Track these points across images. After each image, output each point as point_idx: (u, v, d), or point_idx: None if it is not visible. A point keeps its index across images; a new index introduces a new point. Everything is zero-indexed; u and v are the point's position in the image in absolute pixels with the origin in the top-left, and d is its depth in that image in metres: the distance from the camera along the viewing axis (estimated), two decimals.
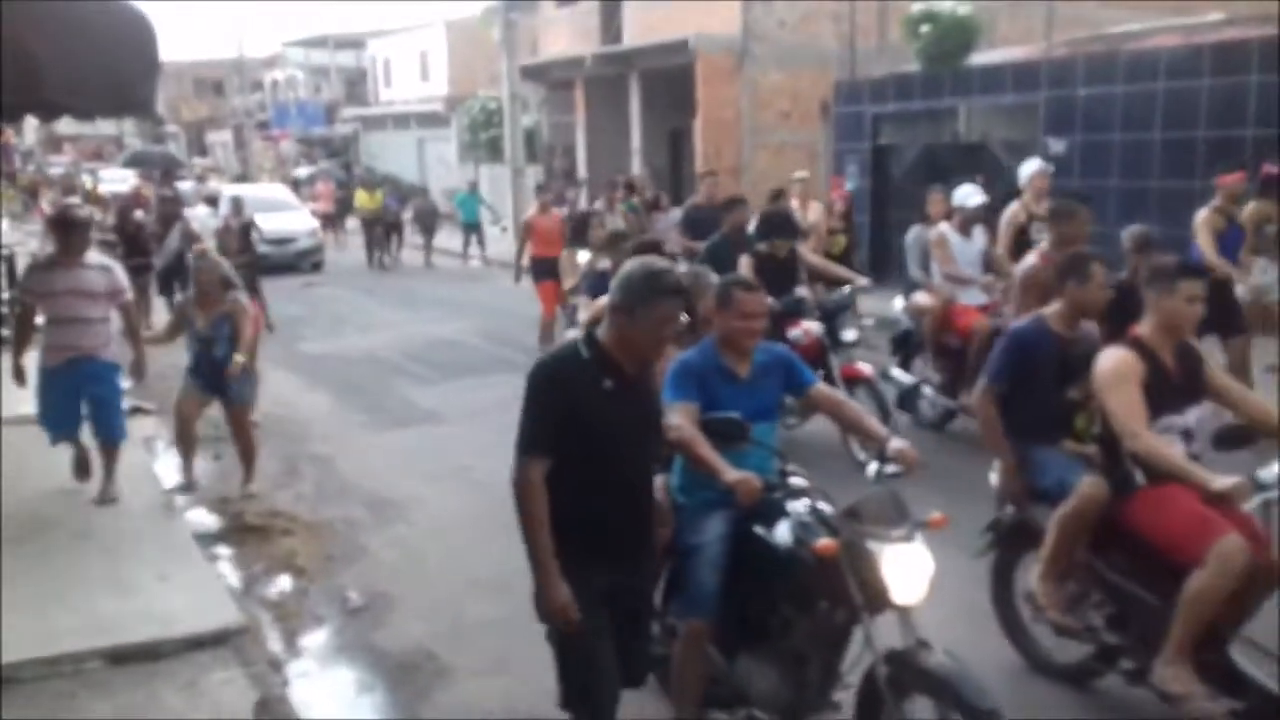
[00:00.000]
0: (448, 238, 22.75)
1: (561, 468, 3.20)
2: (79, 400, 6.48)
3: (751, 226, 8.39)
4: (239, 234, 13.69)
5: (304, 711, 4.46)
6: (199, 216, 14.72)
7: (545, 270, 11.54)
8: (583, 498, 3.23)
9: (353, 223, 25.49)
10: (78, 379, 6.42)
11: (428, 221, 22.03)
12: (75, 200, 20.46)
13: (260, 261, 13.74)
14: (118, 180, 27.64)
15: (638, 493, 3.42)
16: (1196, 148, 11.16)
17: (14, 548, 5.71)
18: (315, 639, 5.25)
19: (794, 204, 10.93)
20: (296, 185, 29.02)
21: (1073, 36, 15.21)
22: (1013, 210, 8.19)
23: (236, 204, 14.85)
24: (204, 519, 6.70)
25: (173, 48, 76.51)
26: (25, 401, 6.80)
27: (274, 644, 5.13)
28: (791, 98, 20.88)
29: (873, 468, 3.66)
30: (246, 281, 8.87)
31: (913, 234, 8.54)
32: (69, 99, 4.29)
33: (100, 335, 6.48)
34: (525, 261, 12.02)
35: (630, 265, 3.30)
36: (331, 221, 25.87)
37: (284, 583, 5.86)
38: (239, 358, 6.84)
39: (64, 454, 6.76)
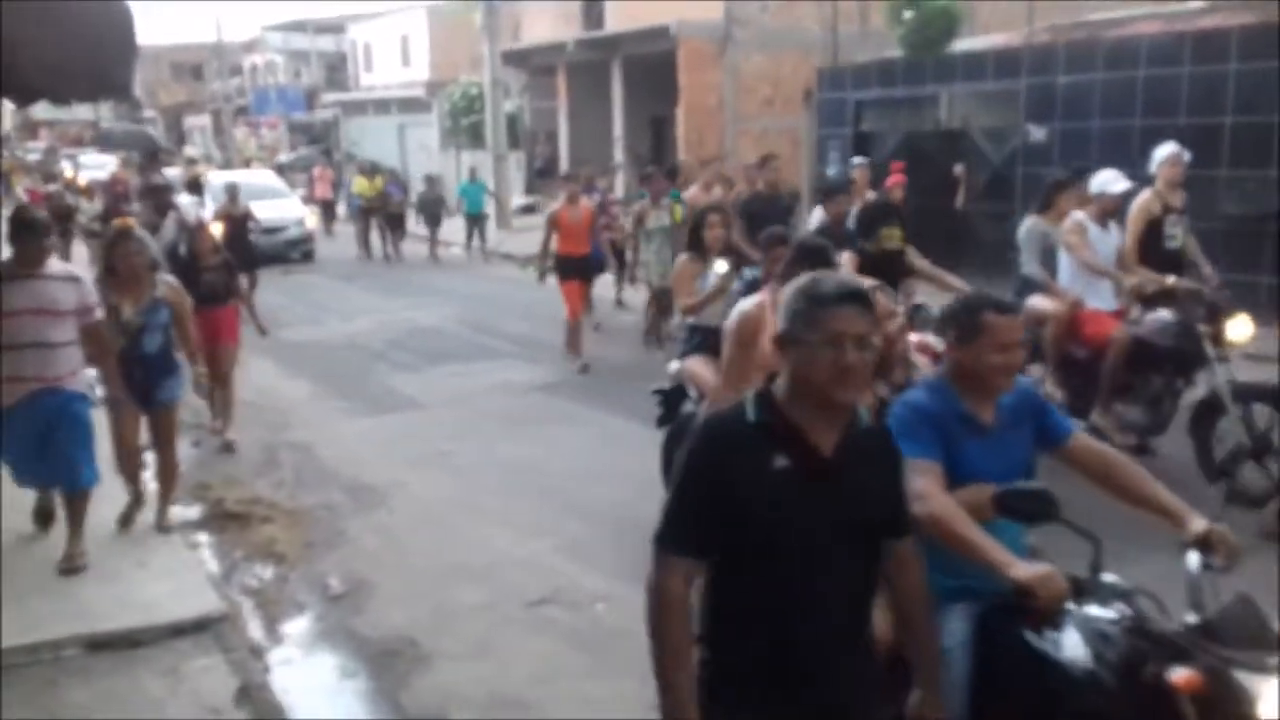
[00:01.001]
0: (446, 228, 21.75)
1: (728, 570, 2.37)
2: (46, 440, 5.28)
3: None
4: (237, 223, 13.32)
5: (285, 698, 4.45)
6: (182, 205, 14.49)
7: (572, 269, 10.63)
8: (755, 616, 2.36)
9: (341, 209, 24.93)
10: (43, 415, 5.26)
11: (434, 210, 20.09)
12: (55, 188, 19.94)
13: (253, 254, 13.27)
14: (99, 166, 27.00)
15: (840, 611, 2.41)
16: (1177, 135, 11.20)
17: None
18: (296, 626, 5.24)
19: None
20: (281, 171, 28.70)
21: (1054, 23, 15.25)
22: (1144, 200, 7.11)
23: (232, 191, 14.11)
24: (183, 506, 6.67)
25: (150, 31, 75.74)
26: None
27: (255, 631, 5.13)
28: (774, 84, 20.89)
29: (1193, 560, 2.69)
30: (224, 281, 8.00)
31: (1028, 225, 7.35)
32: (44, 82, 4.24)
33: (68, 361, 5.33)
34: (549, 260, 10.78)
35: (790, 285, 2.45)
36: (330, 209, 24.94)
37: (264, 570, 5.84)
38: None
39: None
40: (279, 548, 6.07)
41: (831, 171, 15.65)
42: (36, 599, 5.01)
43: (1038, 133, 12.76)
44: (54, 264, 5.44)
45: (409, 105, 34.04)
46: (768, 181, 9.69)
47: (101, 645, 4.62)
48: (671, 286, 6.75)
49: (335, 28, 42.24)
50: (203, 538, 6.24)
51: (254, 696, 4.34)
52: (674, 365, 6.17)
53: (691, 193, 10.57)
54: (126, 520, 5.99)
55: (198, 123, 52.63)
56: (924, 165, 14.27)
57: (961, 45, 15.20)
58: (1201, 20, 12.51)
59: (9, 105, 6.01)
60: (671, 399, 6.10)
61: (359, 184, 21.04)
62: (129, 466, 6.01)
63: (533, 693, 4.43)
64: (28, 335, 5.20)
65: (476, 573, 5.63)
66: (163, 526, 5.98)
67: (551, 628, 5.01)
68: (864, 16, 18.38)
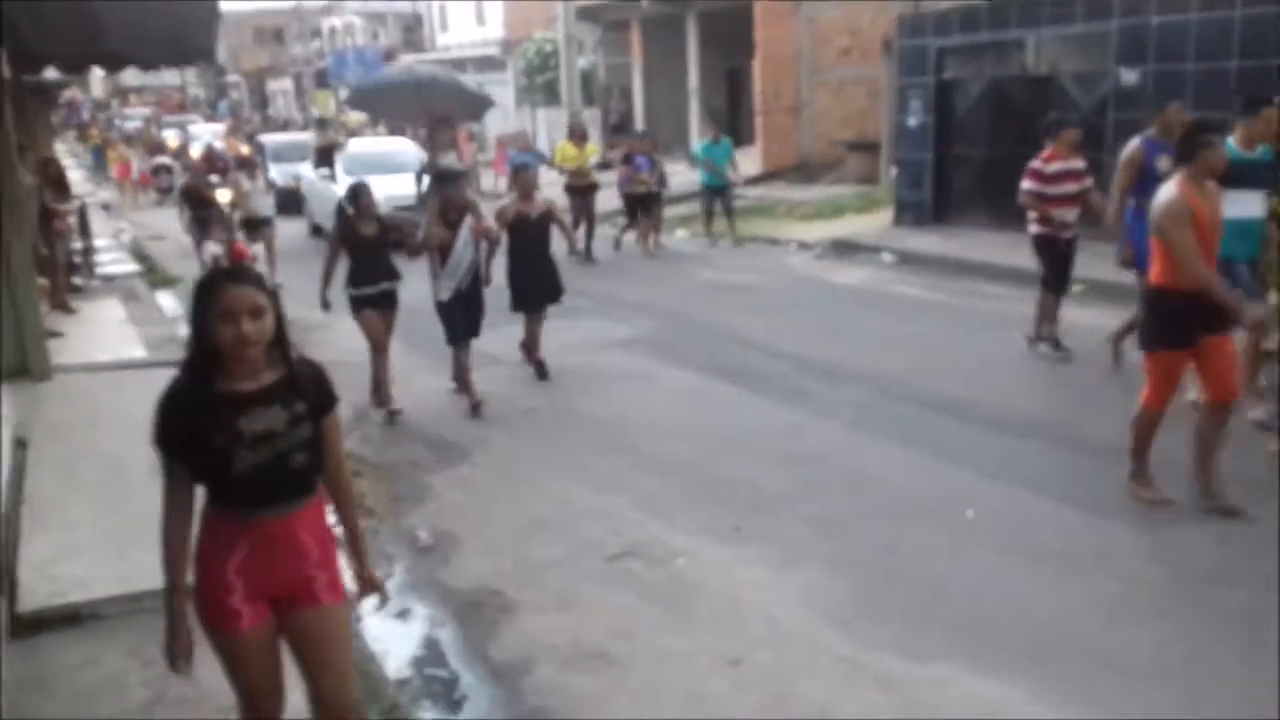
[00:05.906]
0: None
1: None
2: None
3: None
4: (530, 233, 8.81)
5: (376, 646, 4.58)
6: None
7: (1197, 315, 5.08)
8: None
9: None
10: None
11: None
12: (165, 161, 17.95)
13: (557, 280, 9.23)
14: (208, 135, 24.91)
15: None
16: (1273, 76, 10.73)
17: (92, 490, 5.90)
18: (385, 576, 5.36)
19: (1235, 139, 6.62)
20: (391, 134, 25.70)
21: None
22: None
23: (526, 180, 9.00)
24: None
25: None
26: (98, 349, 6.91)
27: (346, 582, 5.24)
28: (852, 33, 20.47)
29: None
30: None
31: None
32: (131, 49, 4.34)
33: None
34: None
35: None
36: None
37: None
38: None
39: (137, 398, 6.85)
40: (368, 502, 6.20)
41: (913, 122, 15.33)
42: (134, 551, 5.18)
43: (1129, 76, 12.30)
44: None
45: (484, 64, 34.12)
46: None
47: None
48: None
49: None
50: None
51: None
52: None
53: None
54: None
55: (280, 86, 53.44)
56: (1010, 113, 13.90)
57: None
58: None
59: (99, 73, 6.06)
60: None
61: (563, 153, 15.27)
62: None
63: (614, 645, 4.48)
64: None
65: (557, 527, 5.70)
66: None
67: (631, 581, 5.06)
68: None
